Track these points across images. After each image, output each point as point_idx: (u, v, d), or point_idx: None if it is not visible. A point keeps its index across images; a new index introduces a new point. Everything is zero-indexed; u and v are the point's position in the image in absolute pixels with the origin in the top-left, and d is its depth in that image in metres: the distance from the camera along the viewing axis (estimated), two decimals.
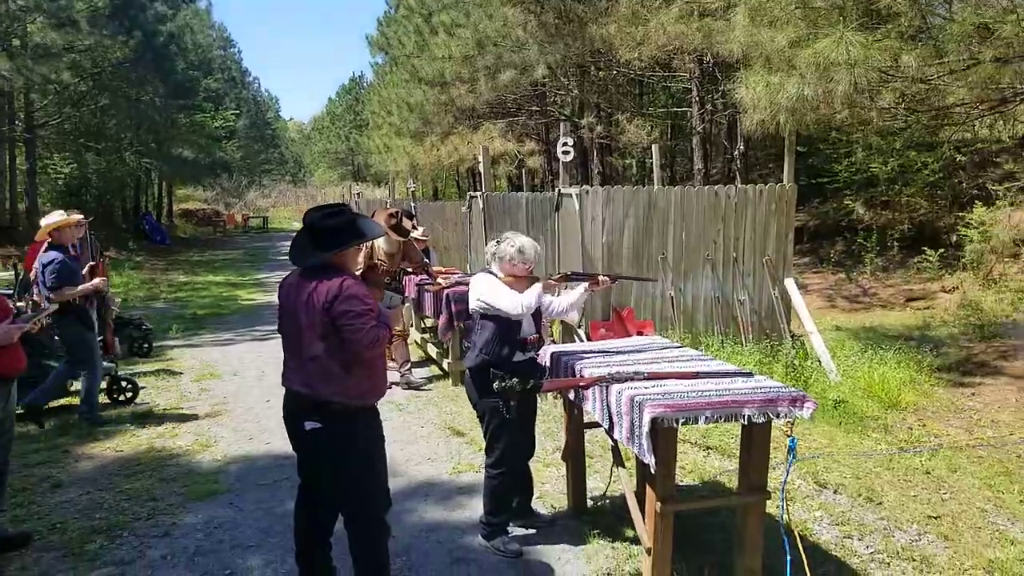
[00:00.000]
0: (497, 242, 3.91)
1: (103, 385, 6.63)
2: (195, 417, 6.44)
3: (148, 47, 21.31)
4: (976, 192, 12.71)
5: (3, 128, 19.54)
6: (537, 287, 3.77)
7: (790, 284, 8.24)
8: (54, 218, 5.96)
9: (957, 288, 11.69)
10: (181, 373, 8.14)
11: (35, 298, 6.11)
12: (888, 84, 7.46)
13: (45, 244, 5.97)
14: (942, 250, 12.17)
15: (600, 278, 4.05)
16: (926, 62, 6.90)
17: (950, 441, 5.54)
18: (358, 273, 7.04)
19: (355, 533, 3.23)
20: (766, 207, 8.17)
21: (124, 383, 6.82)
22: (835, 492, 4.59)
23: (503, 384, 3.60)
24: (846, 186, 14.72)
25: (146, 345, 9.00)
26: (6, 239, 17.51)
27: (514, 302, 3.69)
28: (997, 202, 11.53)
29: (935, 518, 4.19)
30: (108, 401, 6.69)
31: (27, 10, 16.59)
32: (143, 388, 7.13)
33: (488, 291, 3.76)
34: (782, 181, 8.44)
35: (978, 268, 11.54)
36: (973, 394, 6.80)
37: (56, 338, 6.30)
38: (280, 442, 5.62)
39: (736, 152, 15.54)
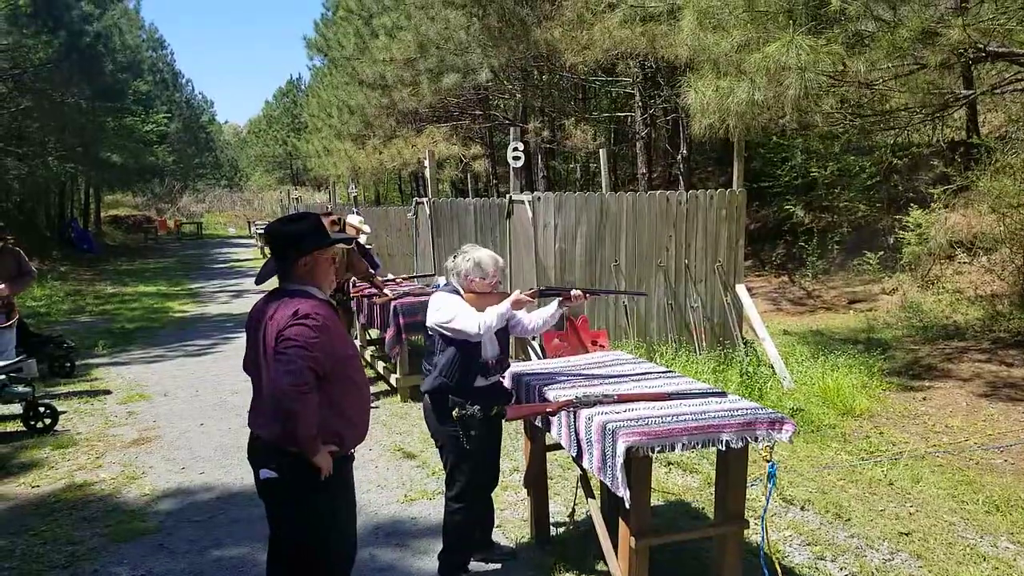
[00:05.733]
0: (454, 257, 3.57)
1: (19, 411, 6.17)
2: (121, 445, 5.96)
3: (73, 47, 20.23)
4: (912, 195, 12.97)
5: None
6: (504, 304, 3.37)
7: (741, 290, 8.18)
8: None
9: (897, 290, 11.91)
10: (106, 394, 7.59)
11: None
12: (834, 89, 7.46)
13: None
14: (881, 252, 12.38)
15: (574, 293, 3.62)
16: (874, 66, 6.91)
17: (909, 449, 5.49)
18: None
19: None
20: (716, 213, 8.09)
21: (42, 408, 6.27)
22: (802, 509, 4.46)
23: (462, 412, 3.33)
24: (787, 190, 14.90)
25: (68, 364, 8.41)
26: None
27: (473, 322, 3.30)
28: (932, 204, 11.76)
29: (906, 535, 4.08)
30: (24, 429, 6.18)
31: None
32: (63, 413, 6.60)
33: (444, 312, 3.37)
34: (724, 185, 8.38)
35: (916, 270, 11.76)
36: (924, 399, 6.82)
37: None
38: (216, 471, 5.25)
39: (679, 157, 15.57)
